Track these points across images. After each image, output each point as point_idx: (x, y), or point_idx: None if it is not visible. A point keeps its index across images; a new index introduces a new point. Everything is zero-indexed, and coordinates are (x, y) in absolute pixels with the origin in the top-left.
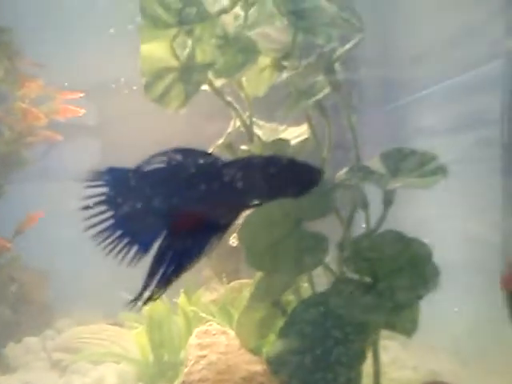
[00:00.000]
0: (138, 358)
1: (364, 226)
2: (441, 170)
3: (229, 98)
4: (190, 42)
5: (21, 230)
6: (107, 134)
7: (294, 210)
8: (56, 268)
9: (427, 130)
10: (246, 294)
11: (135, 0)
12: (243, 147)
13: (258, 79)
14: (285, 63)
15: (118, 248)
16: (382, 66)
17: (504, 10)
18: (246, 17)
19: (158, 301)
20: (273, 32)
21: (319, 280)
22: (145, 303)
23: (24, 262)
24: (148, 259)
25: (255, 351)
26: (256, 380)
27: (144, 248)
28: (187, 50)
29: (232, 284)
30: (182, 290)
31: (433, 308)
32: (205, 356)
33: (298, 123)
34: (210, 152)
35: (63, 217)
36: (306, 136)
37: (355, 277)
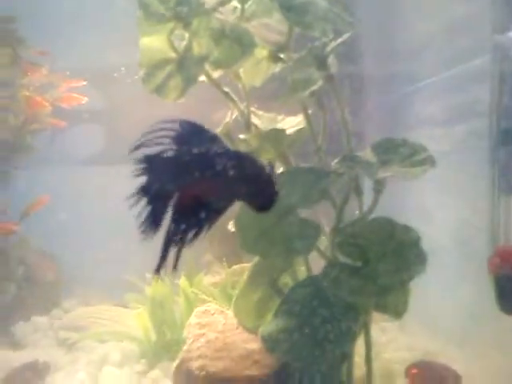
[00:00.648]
0: (140, 336)
1: (357, 212)
2: (429, 161)
3: (226, 89)
4: (186, 34)
5: (27, 213)
6: (110, 120)
7: (285, 197)
8: (62, 250)
9: (423, 120)
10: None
11: None
12: (241, 136)
13: (254, 70)
14: (281, 55)
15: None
16: (379, 60)
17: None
18: (242, 9)
19: (160, 282)
20: (269, 24)
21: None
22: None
23: (32, 244)
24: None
25: (252, 330)
26: (252, 357)
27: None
28: (184, 43)
29: (233, 267)
30: (183, 273)
31: (427, 291)
32: (203, 334)
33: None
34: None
35: (68, 201)
36: (301, 126)
37: (347, 261)
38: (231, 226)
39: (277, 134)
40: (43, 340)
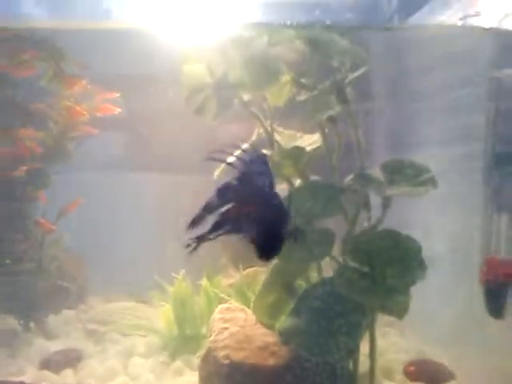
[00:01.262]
0: (163, 330)
1: (366, 224)
2: (431, 182)
3: (253, 109)
4: (223, 64)
5: (63, 214)
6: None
7: (308, 209)
8: (89, 250)
9: (425, 141)
10: (260, 279)
11: None
12: (264, 151)
13: (279, 93)
14: (302, 80)
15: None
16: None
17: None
18: (270, 40)
19: (181, 282)
20: (292, 47)
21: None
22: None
23: (64, 243)
24: None
25: (269, 327)
26: (269, 349)
27: None
28: (221, 71)
29: (247, 271)
30: (204, 274)
31: (424, 299)
32: (227, 328)
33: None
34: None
35: (98, 203)
36: (318, 144)
37: (356, 265)
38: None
39: (297, 152)
40: (73, 332)
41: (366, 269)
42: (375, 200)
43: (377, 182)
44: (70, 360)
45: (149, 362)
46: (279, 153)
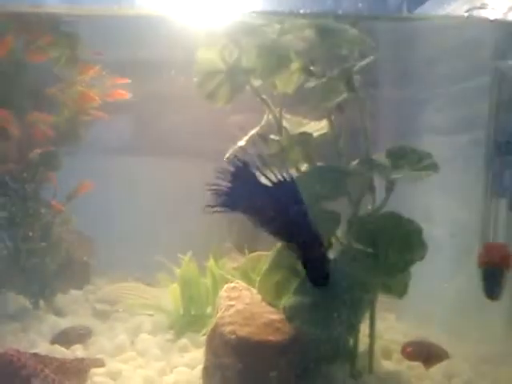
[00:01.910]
0: (169, 309)
1: (369, 207)
2: (433, 167)
3: (263, 96)
4: (236, 50)
5: (72, 196)
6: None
7: (313, 193)
8: (96, 232)
9: (431, 128)
10: (264, 262)
11: None
12: (272, 137)
13: (288, 80)
14: (312, 68)
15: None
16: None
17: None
18: (281, 28)
19: (188, 263)
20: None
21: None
22: None
23: (73, 224)
24: None
25: (273, 306)
26: (274, 325)
27: None
28: (234, 57)
29: (251, 254)
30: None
31: (422, 284)
32: (233, 305)
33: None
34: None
35: (107, 186)
36: (325, 130)
37: (359, 246)
38: None
39: (305, 137)
40: (81, 310)
41: (369, 248)
42: (378, 185)
43: (382, 166)
44: (79, 336)
45: (156, 339)
46: (287, 138)
